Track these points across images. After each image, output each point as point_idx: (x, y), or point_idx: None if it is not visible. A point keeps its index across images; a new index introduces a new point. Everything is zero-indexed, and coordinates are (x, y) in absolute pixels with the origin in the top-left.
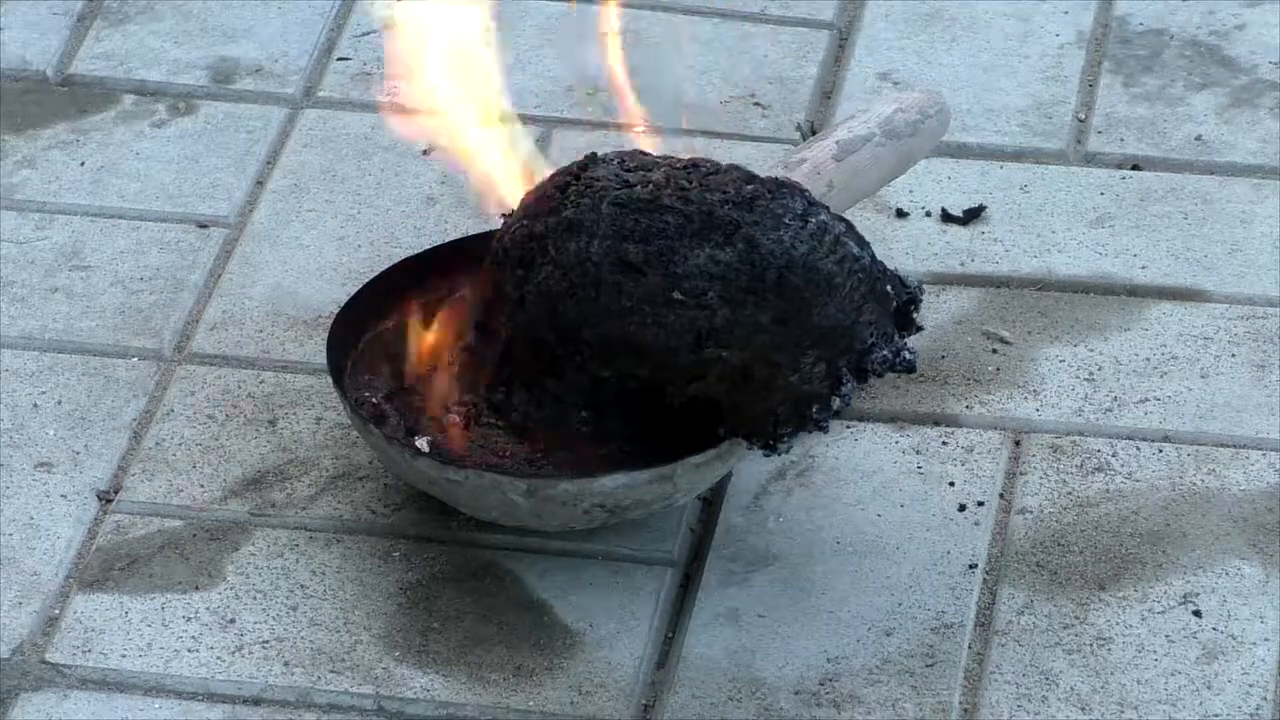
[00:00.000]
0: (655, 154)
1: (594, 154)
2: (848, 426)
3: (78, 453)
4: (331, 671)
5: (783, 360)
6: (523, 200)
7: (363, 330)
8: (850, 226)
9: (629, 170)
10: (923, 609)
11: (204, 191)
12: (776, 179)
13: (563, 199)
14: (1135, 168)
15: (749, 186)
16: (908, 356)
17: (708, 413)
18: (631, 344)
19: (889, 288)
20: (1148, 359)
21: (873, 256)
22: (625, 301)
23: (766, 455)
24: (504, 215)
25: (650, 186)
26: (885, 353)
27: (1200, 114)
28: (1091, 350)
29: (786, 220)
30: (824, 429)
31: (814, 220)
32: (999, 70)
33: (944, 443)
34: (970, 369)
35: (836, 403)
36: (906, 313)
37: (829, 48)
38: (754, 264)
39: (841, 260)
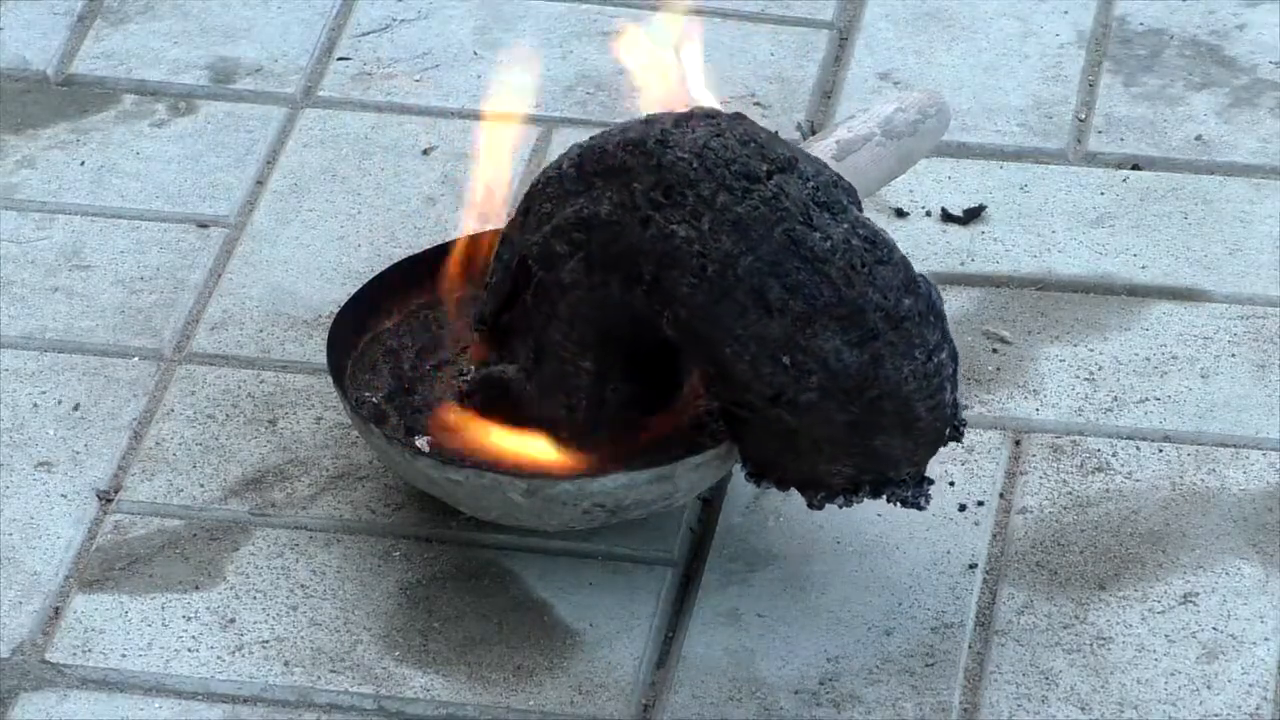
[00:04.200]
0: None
1: (809, 126)
2: None
3: (78, 453)
4: (331, 671)
5: (826, 450)
6: (694, 113)
7: (363, 330)
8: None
9: (819, 204)
10: (923, 609)
11: (204, 191)
12: (924, 294)
13: (747, 184)
14: (1135, 168)
15: (907, 301)
16: (921, 504)
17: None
18: (714, 357)
19: (949, 429)
20: (1148, 359)
21: (954, 388)
22: (737, 328)
23: (745, 478)
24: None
25: (829, 244)
26: (907, 494)
27: (1200, 114)
28: (1091, 350)
29: (916, 353)
30: (814, 508)
31: (935, 360)
32: (999, 70)
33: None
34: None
35: (839, 501)
36: (943, 443)
37: (829, 48)
38: (866, 379)
39: (934, 408)
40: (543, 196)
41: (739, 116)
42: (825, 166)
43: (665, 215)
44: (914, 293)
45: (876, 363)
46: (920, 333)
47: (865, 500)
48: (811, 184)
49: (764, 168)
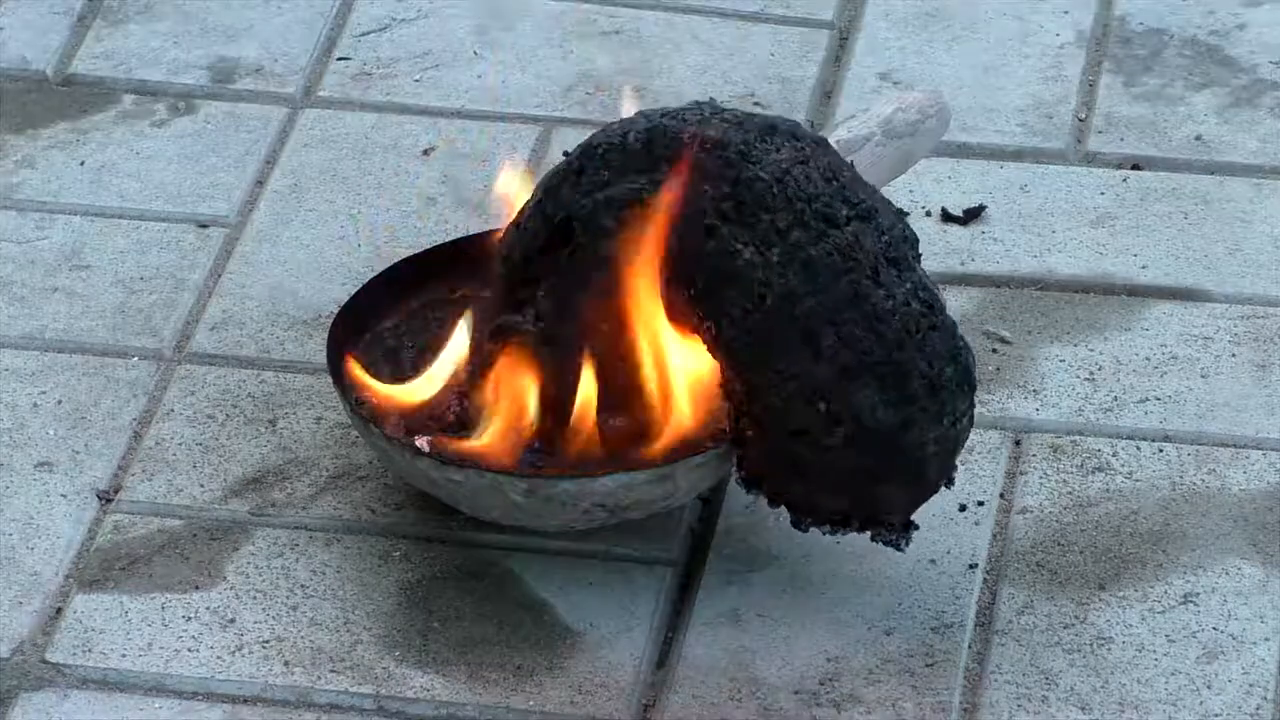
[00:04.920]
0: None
1: (809, 126)
2: None
3: (78, 452)
4: (331, 671)
5: (829, 485)
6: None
7: (363, 330)
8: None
9: (888, 259)
10: (923, 609)
11: (204, 191)
12: (964, 364)
13: (825, 227)
14: (1135, 168)
15: (948, 370)
16: (902, 546)
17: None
18: (748, 378)
19: (945, 479)
20: (1148, 359)
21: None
22: (781, 363)
23: (737, 482)
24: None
25: (890, 303)
26: (893, 536)
27: (1200, 114)
28: (1091, 350)
29: (944, 420)
30: (800, 530)
31: (958, 427)
32: (999, 70)
33: None
34: None
35: (825, 530)
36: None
37: (829, 48)
38: (893, 438)
39: (943, 469)
40: (602, 161)
41: (823, 144)
42: (900, 218)
43: (733, 231)
44: (956, 361)
45: (906, 426)
46: (953, 402)
47: (846, 535)
48: (885, 238)
49: (844, 213)
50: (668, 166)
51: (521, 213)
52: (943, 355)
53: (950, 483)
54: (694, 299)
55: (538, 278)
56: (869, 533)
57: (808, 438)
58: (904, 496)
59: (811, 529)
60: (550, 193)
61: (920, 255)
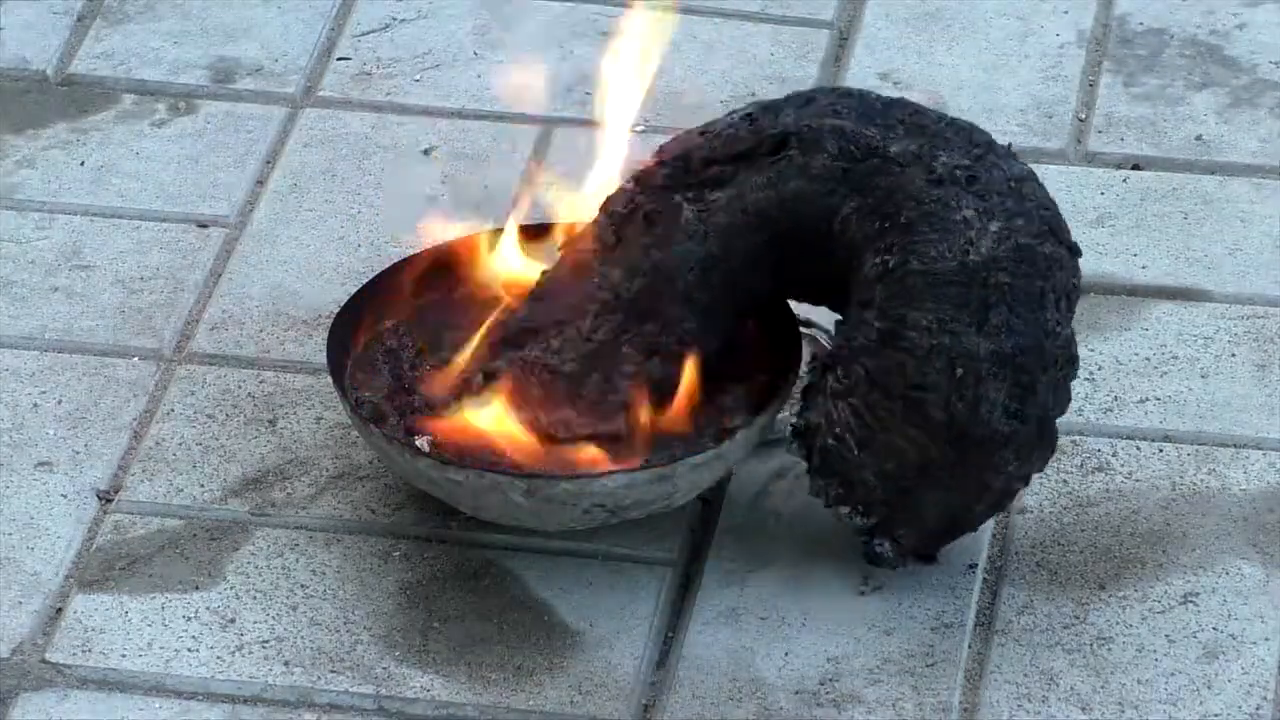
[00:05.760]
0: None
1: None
2: None
3: (78, 453)
4: (331, 671)
5: (882, 466)
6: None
7: (363, 330)
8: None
9: (1068, 299)
10: (923, 609)
11: (204, 191)
12: (1054, 434)
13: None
14: (1135, 168)
15: (1054, 415)
16: (894, 565)
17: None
18: (896, 313)
19: (976, 523)
20: (1148, 359)
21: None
22: (947, 313)
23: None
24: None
25: (1058, 331)
26: (893, 558)
27: (1200, 114)
28: (1091, 350)
29: (1029, 463)
30: (817, 496)
31: (1023, 480)
32: (999, 70)
33: None
34: None
35: (843, 514)
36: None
37: (829, 48)
38: (984, 440)
39: (988, 510)
40: (839, 100)
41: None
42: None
43: (958, 193)
44: (1053, 416)
45: (1004, 443)
46: (1043, 451)
47: (881, 546)
48: (1073, 281)
49: (1061, 235)
50: (903, 129)
51: (710, 125)
52: (1063, 404)
53: (965, 529)
54: (886, 229)
55: (711, 183)
56: (888, 541)
57: (914, 398)
58: (940, 516)
59: (828, 511)
60: (769, 110)
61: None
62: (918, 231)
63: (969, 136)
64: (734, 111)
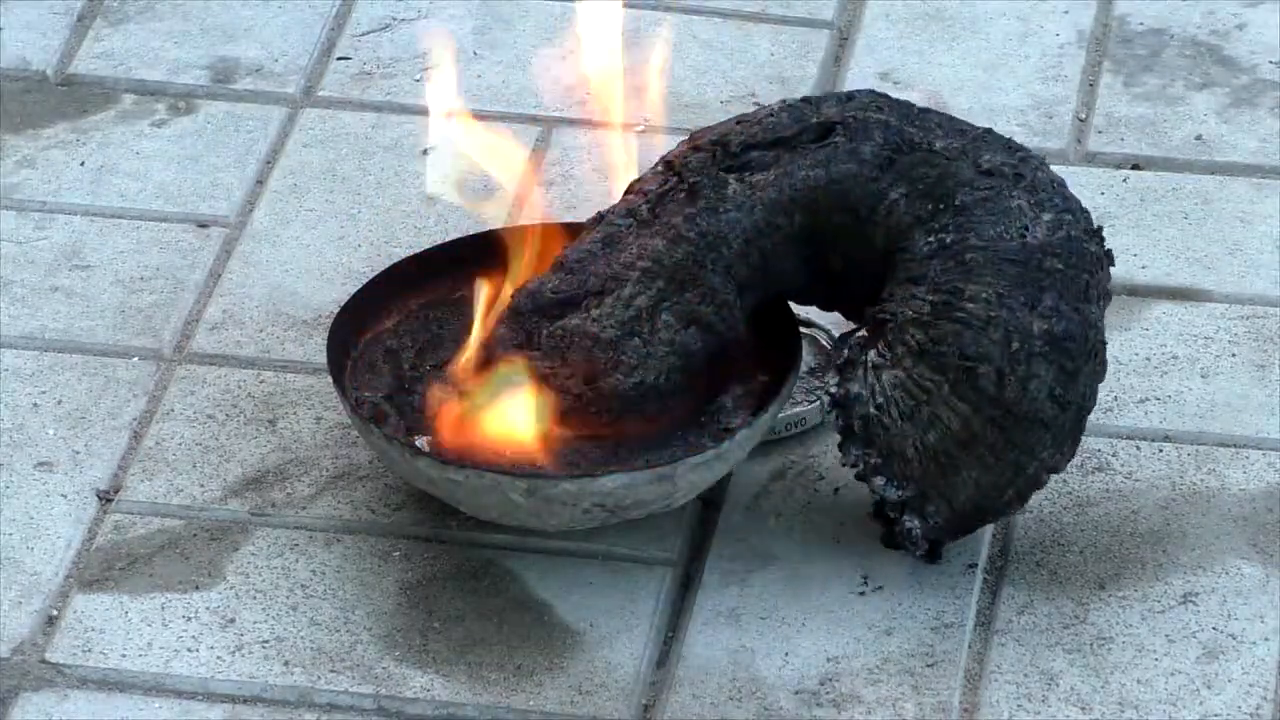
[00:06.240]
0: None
1: None
2: None
3: (78, 452)
4: (331, 671)
5: (923, 434)
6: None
7: (363, 330)
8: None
9: (1104, 297)
10: (923, 609)
11: (204, 191)
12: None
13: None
14: (1135, 168)
15: (1089, 409)
16: (917, 551)
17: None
18: (952, 286)
19: (1003, 512)
20: (1148, 359)
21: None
22: (1003, 288)
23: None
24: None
25: (1095, 322)
26: (919, 537)
27: (1200, 114)
28: None
29: (1061, 451)
30: (847, 466)
31: (1053, 468)
32: (999, 70)
33: None
34: None
35: (875, 486)
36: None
37: (829, 48)
38: (1027, 423)
39: (1017, 497)
40: (882, 99)
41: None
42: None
43: (1007, 185)
44: (1086, 409)
45: (1045, 425)
46: (1070, 440)
47: (911, 522)
48: (1108, 286)
49: (1103, 240)
50: (942, 131)
51: (745, 116)
52: (1092, 401)
53: (997, 516)
54: (940, 210)
55: (752, 166)
56: (918, 522)
57: (968, 365)
58: (971, 496)
59: (858, 472)
60: (808, 103)
61: None
62: (974, 214)
63: (1006, 143)
64: (765, 106)
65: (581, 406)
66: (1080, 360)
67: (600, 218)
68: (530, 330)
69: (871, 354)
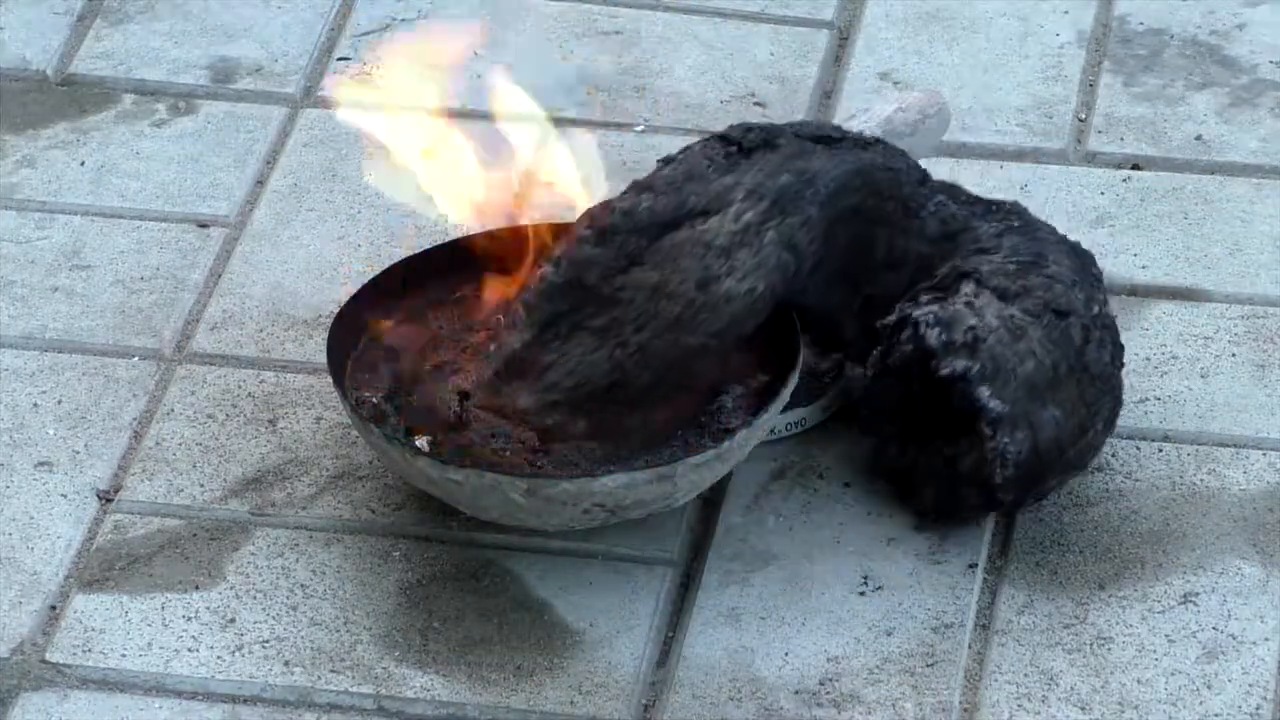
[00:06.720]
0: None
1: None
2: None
3: (78, 452)
4: (331, 671)
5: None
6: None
7: (363, 330)
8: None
9: (1107, 332)
10: (923, 609)
11: (204, 191)
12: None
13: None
14: (1135, 168)
15: (1108, 424)
16: (1010, 474)
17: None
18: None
19: (995, 501)
20: (1148, 359)
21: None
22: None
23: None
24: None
25: (1104, 358)
26: (1016, 453)
27: (1200, 114)
28: None
29: (1101, 419)
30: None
31: (1099, 438)
32: (999, 70)
33: None
34: None
35: (989, 405)
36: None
37: (829, 47)
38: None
39: (1076, 461)
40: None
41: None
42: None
43: (997, 226)
44: (1110, 423)
45: (1107, 384)
46: (1112, 420)
47: (1010, 439)
48: (1107, 323)
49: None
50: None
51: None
52: (1111, 420)
53: (995, 503)
54: (992, 210)
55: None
56: (995, 432)
57: (1057, 315)
58: (1051, 437)
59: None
60: (803, 124)
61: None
62: (1025, 215)
63: (1004, 208)
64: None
65: (691, 314)
66: (1119, 347)
67: (669, 160)
68: (631, 251)
69: (968, 286)
